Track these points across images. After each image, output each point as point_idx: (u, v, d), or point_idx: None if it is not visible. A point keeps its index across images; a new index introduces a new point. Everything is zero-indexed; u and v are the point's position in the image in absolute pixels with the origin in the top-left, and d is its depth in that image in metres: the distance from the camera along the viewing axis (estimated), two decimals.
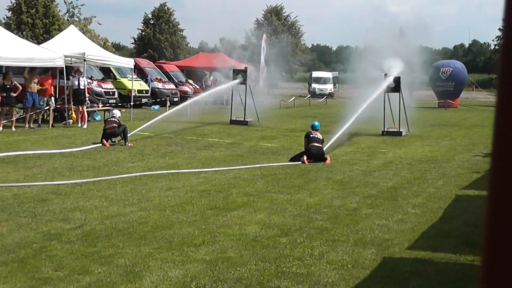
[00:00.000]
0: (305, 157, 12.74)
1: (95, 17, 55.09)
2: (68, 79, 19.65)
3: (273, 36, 53.58)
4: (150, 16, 59.31)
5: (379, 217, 7.87)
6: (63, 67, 19.04)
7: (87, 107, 19.88)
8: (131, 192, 9.01)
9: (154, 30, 58.26)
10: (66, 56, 19.06)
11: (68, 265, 5.55)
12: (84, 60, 19.80)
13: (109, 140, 14.73)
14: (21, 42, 19.72)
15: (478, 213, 8.03)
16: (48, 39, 28.87)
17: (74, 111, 19.27)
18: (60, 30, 39.68)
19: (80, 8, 51.81)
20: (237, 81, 21.68)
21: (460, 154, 15.00)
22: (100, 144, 14.39)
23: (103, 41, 49.75)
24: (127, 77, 28.83)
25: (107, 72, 28.85)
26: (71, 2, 51.24)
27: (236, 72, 22.18)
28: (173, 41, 58.56)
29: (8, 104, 17.50)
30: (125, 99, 26.79)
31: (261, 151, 14.72)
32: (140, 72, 31.44)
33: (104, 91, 26.31)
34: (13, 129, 17.27)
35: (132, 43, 63.44)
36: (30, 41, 28.17)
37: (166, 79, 33.45)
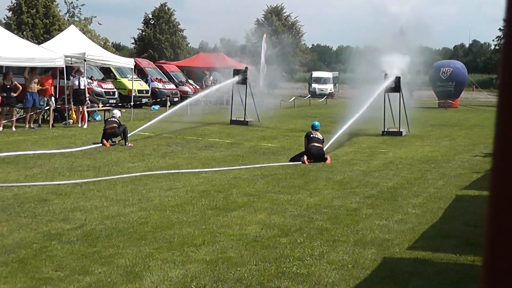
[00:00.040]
0: (305, 157, 12.73)
1: (95, 17, 55.30)
2: (68, 79, 19.66)
3: (273, 36, 53.60)
4: (150, 16, 59.35)
5: (379, 217, 7.87)
6: (63, 67, 19.05)
7: (87, 107, 19.89)
8: (131, 192, 9.01)
9: (155, 30, 58.28)
10: (66, 56, 19.07)
11: (68, 265, 5.55)
12: (85, 60, 19.81)
13: (109, 140, 14.74)
14: (21, 42, 19.72)
15: (479, 213, 8.03)
16: (49, 39, 28.86)
17: (74, 111, 19.28)
18: (60, 30, 39.69)
19: (80, 8, 51.94)
20: (236, 78, 21.67)
21: (460, 154, 14.99)
22: (101, 144, 14.39)
23: (104, 41, 49.78)
24: (127, 77, 28.84)
25: (107, 72, 28.86)
26: (72, 2, 51.36)
27: (236, 72, 22.20)
28: (173, 41, 58.58)
29: (8, 104, 17.50)
30: (125, 99, 26.80)
31: (261, 151, 14.72)
32: (140, 72, 31.45)
33: (104, 91, 26.31)
34: (14, 129, 17.27)
35: (133, 43, 63.54)
36: (31, 41, 28.16)
37: (166, 79, 33.46)
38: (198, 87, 33.81)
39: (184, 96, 30.97)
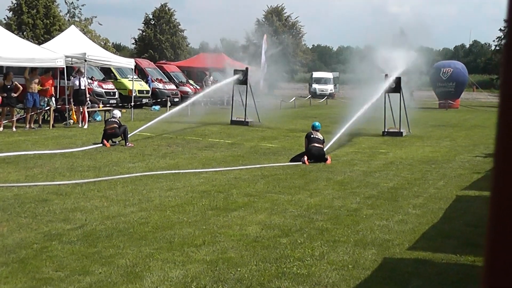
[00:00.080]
0: (305, 158, 12.73)
1: (95, 17, 55.43)
2: (68, 79, 19.68)
3: (273, 36, 53.58)
4: (150, 16, 59.37)
5: (379, 218, 7.87)
6: (63, 68, 19.06)
7: (87, 108, 19.90)
8: (131, 192, 9.01)
9: (155, 30, 58.31)
10: (66, 57, 19.07)
11: (68, 265, 5.55)
12: (85, 61, 19.82)
13: (110, 141, 14.74)
14: (21, 42, 19.72)
15: (479, 214, 8.03)
16: (49, 39, 28.85)
17: (74, 111, 19.28)
18: (60, 30, 39.67)
19: (80, 9, 51.88)
20: (235, 76, 21.67)
21: (460, 155, 15.00)
22: (101, 145, 14.39)
23: (104, 42, 49.78)
24: (127, 78, 28.85)
25: (107, 73, 28.87)
26: (72, 2, 51.32)
27: (237, 73, 22.19)
28: (173, 42, 58.60)
29: (8, 105, 17.51)
30: (125, 99, 26.81)
31: (261, 151, 14.72)
32: (140, 73, 31.45)
33: (104, 92, 26.33)
34: (14, 129, 17.28)
35: (133, 44, 63.53)
36: (31, 41, 28.18)
37: (167, 80, 33.47)
38: (198, 87, 33.83)
39: (184, 96, 31.00)
